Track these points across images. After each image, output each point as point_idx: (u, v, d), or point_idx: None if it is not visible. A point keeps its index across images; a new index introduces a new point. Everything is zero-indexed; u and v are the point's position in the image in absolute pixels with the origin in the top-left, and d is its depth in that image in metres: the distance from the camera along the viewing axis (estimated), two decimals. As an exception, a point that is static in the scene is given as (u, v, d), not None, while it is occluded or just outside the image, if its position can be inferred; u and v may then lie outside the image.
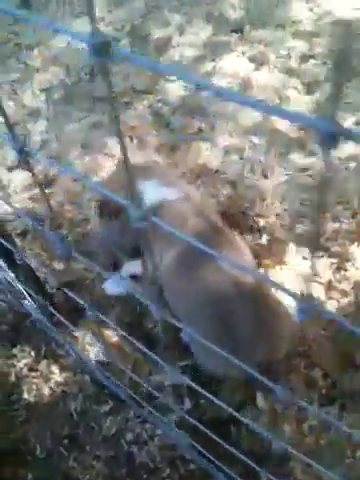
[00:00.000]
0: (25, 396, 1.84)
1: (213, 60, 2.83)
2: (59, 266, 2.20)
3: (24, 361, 1.90)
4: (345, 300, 1.83)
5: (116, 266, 2.05)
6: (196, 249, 1.52)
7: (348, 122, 2.35)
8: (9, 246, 1.36)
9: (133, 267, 1.99)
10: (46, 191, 2.49)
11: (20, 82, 3.04)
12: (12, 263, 1.60)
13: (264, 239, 2.07)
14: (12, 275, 1.45)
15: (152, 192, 1.68)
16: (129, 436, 1.65)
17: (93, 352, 1.86)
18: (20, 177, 2.57)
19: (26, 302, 1.51)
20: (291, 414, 1.66)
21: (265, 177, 2.27)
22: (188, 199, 1.70)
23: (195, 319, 1.54)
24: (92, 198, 2.29)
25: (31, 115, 2.84)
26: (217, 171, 2.35)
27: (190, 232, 1.56)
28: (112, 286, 2.03)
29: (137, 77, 2.84)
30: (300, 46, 2.79)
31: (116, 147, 2.56)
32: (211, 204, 1.93)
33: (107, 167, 2.48)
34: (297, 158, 2.27)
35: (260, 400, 1.70)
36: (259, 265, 1.99)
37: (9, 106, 2.88)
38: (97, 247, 2.09)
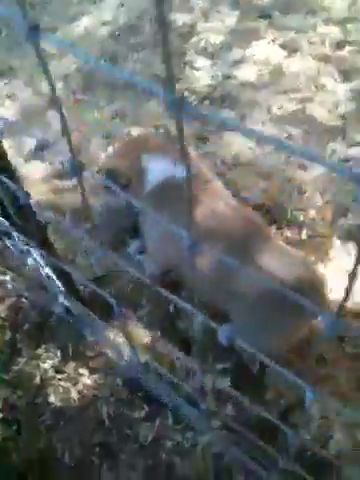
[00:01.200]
0: (51, 400, 1.76)
1: (241, 47, 2.76)
2: (82, 261, 2.13)
3: (50, 362, 1.82)
4: None
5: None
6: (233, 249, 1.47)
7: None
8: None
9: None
10: (66, 183, 2.42)
11: (36, 69, 2.97)
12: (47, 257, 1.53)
13: (304, 234, 2.00)
14: (48, 271, 1.38)
15: (158, 168, 1.61)
16: (168, 444, 1.57)
17: (126, 353, 1.78)
18: (38, 168, 2.50)
19: (59, 299, 1.44)
20: (343, 421, 1.58)
21: (303, 169, 2.19)
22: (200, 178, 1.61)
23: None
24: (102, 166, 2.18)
25: (49, 103, 2.76)
26: (250, 163, 2.28)
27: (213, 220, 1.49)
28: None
29: (161, 64, 2.76)
30: (334, 32, 2.72)
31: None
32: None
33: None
34: (337, 148, 2.20)
35: (309, 405, 1.62)
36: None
37: (25, 94, 2.81)
38: (100, 223, 2.05)
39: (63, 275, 1.66)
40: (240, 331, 1.61)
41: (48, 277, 1.32)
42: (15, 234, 1.24)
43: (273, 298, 1.39)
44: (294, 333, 1.55)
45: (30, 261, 1.36)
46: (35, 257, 1.34)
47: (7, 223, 1.20)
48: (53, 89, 0.51)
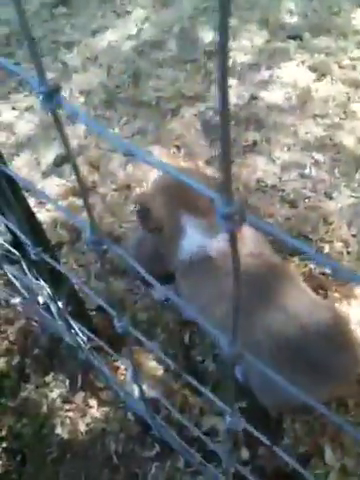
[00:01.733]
0: (58, 431, 1.70)
1: (269, 68, 2.72)
2: (96, 284, 2.08)
3: (58, 391, 1.77)
4: None
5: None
6: (253, 296, 1.39)
7: None
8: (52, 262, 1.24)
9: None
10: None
11: (57, 82, 2.95)
12: (55, 279, 1.48)
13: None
14: (49, 291, 1.33)
15: (194, 239, 1.48)
16: (178, 487, 1.51)
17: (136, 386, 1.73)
18: (55, 184, 2.47)
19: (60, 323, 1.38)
20: (365, 473, 1.50)
21: (329, 198, 2.14)
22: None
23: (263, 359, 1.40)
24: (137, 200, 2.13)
25: (68, 118, 2.74)
26: (274, 188, 2.22)
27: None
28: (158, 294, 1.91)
29: (186, 81, 2.74)
30: (365, 57, 2.67)
31: (161, 156, 2.45)
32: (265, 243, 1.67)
33: (151, 177, 2.37)
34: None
35: (329, 453, 1.55)
36: (325, 297, 1.85)
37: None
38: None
39: (73, 299, 1.62)
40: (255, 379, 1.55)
41: (59, 308, 1.27)
42: (25, 266, 1.20)
43: (294, 354, 1.32)
44: (316, 394, 1.46)
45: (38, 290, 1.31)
46: (44, 288, 1.29)
47: (18, 253, 1.16)
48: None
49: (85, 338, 1.15)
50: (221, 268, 1.40)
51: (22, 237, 0.81)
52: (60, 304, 1.07)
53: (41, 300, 1.24)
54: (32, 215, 1.17)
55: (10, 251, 1.21)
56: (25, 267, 1.15)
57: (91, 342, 1.61)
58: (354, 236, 2.01)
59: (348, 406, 1.64)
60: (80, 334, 1.20)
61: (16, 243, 1.15)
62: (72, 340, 1.14)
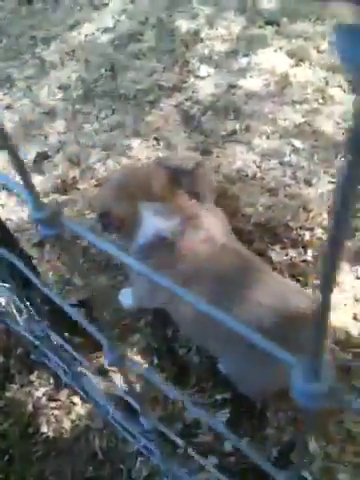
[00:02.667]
0: (44, 429, 1.71)
1: (247, 55, 2.71)
2: (79, 281, 2.08)
3: (42, 389, 1.78)
4: None
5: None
6: (225, 284, 1.40)
7: None
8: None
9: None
10: (65, 197, 2.38)
11: (36, 78, 2.94)
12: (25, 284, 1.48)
13: (310, 255, 1.94)
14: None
15: (149, 223, 1.53)
16: (163, 481, 1.52)
17: (119, 383, 1.73)
18: (37, 181, 2.46)
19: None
20: (347, 459, 1.51)
21: (309, 185, 2.13)
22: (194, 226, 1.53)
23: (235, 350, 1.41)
24: (96, 206, 2.11)
25: (48, 114, 2.73)
26: (254, 177, 2.22)
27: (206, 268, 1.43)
28: (125, 298, 1.91)
29: (163, 73, 2.72)
30: (343, 40, 2.65)
31: (140, 149, 2.45)
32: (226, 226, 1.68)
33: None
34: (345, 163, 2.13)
35: (312, 442, 1.56)
36: (306, 285, 1.85)
37: (24, 104, 2.77)
38: None
39: (49, 299, 1.61)
40: (234, 370, 1.56)
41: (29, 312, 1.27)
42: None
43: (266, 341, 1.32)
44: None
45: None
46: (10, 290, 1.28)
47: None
48: None
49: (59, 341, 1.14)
50: (174, 249, 1.46)
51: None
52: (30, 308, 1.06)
53: (3, 302, 1.24)
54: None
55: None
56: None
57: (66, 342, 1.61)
58: (334, 222, 2.01)
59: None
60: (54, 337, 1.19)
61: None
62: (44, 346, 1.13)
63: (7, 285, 1.08)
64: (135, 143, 2.47)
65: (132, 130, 2.53)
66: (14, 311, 1.15)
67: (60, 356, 0.98)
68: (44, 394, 1.77)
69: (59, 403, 1.75)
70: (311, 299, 1.43)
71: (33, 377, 1.81)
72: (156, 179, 1.57)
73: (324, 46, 2.65)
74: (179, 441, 0.86)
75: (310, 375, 0.30)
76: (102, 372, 1.72)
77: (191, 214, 1.53)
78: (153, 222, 1.52)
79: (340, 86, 2.44)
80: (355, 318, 1.77)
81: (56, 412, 1.74)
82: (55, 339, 0.90)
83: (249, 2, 3.00)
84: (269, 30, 2.80)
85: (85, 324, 0.67)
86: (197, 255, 1.46)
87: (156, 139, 2.46)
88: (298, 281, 1.88)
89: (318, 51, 2.63)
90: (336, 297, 1.81)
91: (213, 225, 1.53)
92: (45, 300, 1.56)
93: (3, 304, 1.22)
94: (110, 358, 0.49)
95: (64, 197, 2.37)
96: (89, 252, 2.13)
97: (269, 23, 2.84)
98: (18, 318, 1.17)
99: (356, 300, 1.79)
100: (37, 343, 1.04)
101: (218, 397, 1.68)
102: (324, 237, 1.98)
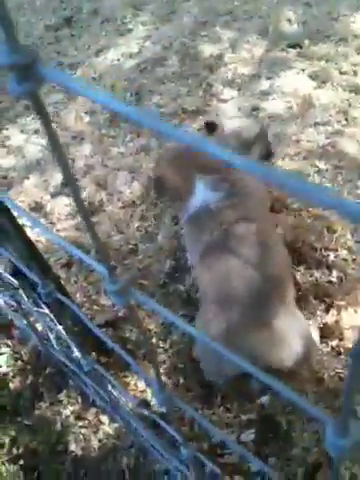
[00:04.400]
0: (72, 447, 1.77)
1: (269, 78, 2.78)
2: (107, 301, 2.15)
3: (71, 408, 1.84)
4: None
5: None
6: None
7: None
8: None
9: None
10: (92, 219, 2.46)
11: (63, 103, 3.06)
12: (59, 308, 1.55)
13: (334, 276, 1.97)
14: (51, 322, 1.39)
15: (199, 194, 1.67)
16: (190, 500, 1.55)
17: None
18: (64, 204, 2.56)
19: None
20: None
21: (333, 206, 2.17)
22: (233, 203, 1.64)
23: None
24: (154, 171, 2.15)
25: (75, 138, 2.84)
26: (278, 199, 2.27)
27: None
28: None
29: (187, 96, 2.81)
30: (366, 61, 2.71)
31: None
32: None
33: (157, 194, 2.44)
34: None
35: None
36: (331, 306, 1.89)
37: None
38: None
39: (78, 320, 1.68)
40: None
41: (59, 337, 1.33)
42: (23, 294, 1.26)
43: None
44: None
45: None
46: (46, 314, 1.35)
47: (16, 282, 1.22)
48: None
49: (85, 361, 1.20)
50: (217, 220, 1.59)
51: (24, 269, 0.87)
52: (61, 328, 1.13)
53: (39, 328, 1.31)
54: (32, 244, 1.24)
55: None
56: (23, 295, 1.21)
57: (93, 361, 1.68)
58: (358, 243, 2.04)
59: (356, 412, 1.67)
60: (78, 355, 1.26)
61: (15, 271, 1.22)
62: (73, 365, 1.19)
63: (44, 310, 1.15)
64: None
65: (157, 153, 2.62)
66: (49, 334, 1.22)
67: (91, 377, 1.04)
68: (72, 413, 1.83)
69: (87, 422, 1.81)
70: None
71: (62, 396, 1.87)
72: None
73: (346, 67, 2.71)
74: (211, 466, 0.90)
75: (340, 431, 0.35)
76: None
77: (237, 190, 1.65)
78: (203, 193, 1.65)
79: (363, 107, 2.49)
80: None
81: (84, 431, 1.79)
82: (88, 364, 0.96)
83: (271, 25, 3.09)
84: (291, 53, 2.88)
85: (123, 355, 0.73)
86: (227, 230, 1.56)
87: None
88: (323, 302, 1.92)
89: (340, 72, 2.69)
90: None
91: (252, 205, 1.68)
92: (75, 321, 1.63)
93: (39, 328, 1.29)
94: (160, 400, 0.53)
95: (91, 219, 2.46)
96: (115, 273, 2.20)
97: (291, 46, 2.92)
98: (53, 341, 1.24)
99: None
100: (72, 367, 1.10)
101: (243, 417, 1.71)
102: (349, 258, 2.01)
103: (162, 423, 0.69)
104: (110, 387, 1.30)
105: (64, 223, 2.47)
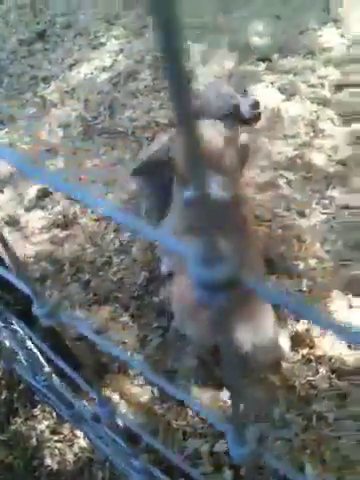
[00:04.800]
0: (47, 462, 1.77)
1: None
2: (81, 314, 2.16)
3: (46, 423, 1.85)
4: None
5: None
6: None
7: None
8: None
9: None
10: (66, 232, 2.47)
11: (37, 117, 3.08)
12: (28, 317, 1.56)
13: (304, 285, 2.02)
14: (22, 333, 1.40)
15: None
16: (165, 512, 1.57)
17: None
18: (38, 217, 2.57)
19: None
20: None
21: (302, 216, 2.23)
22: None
23: None
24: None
25: (48, 152, 2.85)
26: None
27: None
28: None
29: (160, 110, 2.85)
30: (333, 74, 2.78)
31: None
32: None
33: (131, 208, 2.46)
34: (336, 195, 2.23)
35: (309, 469, 1.62)
36: (301, 314, 1.93)
37: (25, 143, 2.90)
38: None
39: (51, 335, 1.69)
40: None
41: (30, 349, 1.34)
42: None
43: None
44: None
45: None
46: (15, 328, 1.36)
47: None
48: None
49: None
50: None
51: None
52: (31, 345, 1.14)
53: (7, 343, 1.32)
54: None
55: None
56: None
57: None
58: (328, 252, 2.09)
59: (327, 419, 1.71)
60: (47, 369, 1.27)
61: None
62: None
63: (14, 325, 1.16)
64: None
65: (131, 165, 2.65)
66: (19, 352, 1.23)
67: (60, 396, 1.06)
68: (47, 427, 1.84)
69: (62, 436, 1.81)
70: None
71: (36, 411, 1.88)
72: (227, 156, 1.79)
73: (314, 80, 2.78)
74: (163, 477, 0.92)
75: (238, 440, 0.39)
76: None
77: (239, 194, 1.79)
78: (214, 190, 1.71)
79: (330, 119, 2.55)
80: (349, 346, 1.84)
81: (59, 445, 1.80)
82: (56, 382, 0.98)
83: (241, 39, 3.15)
84: (261, 66, 2.94)
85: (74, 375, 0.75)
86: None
87: (154, 174, 2.57)
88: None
89: (308, 85, 2.76)
90: (330, 326, 1.88)
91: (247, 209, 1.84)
92: (48, 335, 1.64)
93: (8, 344, 1.30)
94: (103, 413, 0.55)
95: (65, 232, 2.47)
96: (90, 286, 2.22)
97: (261, 59, 2.98)
98: (22, 359, 1.25)
99: (350, 328, 1.86)
100: (38, 386, 1.12)
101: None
102: (318, 267, 2.06)
103: (111, 434, 0.71)
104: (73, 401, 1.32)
105: (38, 237, 2.48)
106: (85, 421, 0.93)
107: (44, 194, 2.67)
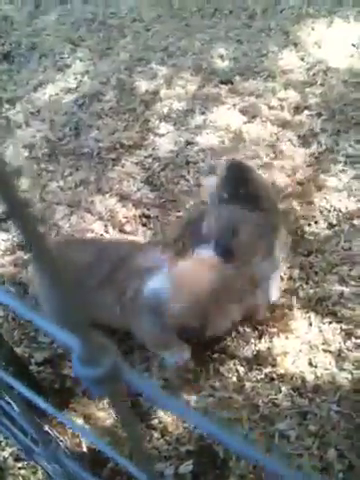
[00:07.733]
0: (10, 491, 1.74)
1: (203, 113, 2.89)
2: (45, 338, 2.14)
3: (9, 450, 1.82)
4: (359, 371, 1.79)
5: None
6: None
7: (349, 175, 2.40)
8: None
9: None
10: (30, 254, 2.45)
11: (1, 138, 3.06)
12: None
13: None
14: None
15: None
16: None
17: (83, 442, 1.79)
18: (2, 239, 2.55)
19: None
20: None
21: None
22: None
23: None
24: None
25: (13, 173, 2.84)
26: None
27: None
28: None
29: (125, 131, 2.87)
30: (293, 97, 2.86)
31: (103, 205, 2.56)
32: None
33: (95, 228, 2.47)
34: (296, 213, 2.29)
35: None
36: (263, 333, 1.96)
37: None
38: None
39: (14, 360, 1.68)
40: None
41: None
42: None
43: None
44: None
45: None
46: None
47: None
48: None
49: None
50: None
51: None
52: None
53: None
54: None
55: None
56: None
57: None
58: (290, 267, 2.13)
59: (290, 437, 1.73)
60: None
61: None
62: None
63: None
64: (98, 199, 2.59)
65: (95, 187, 2.66)
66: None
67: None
68: (11, 454, 1.81)
69: (26, 463, 1.79)
70: None
71: (0, 437, 1.85)
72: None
73: (274, 102, 2.85)
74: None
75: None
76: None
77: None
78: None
79: (290, 141, 2.62)
80: (310, 364, 1.87)
81: (23, 472, 1.77)
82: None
83: (204, 62, 3.22)
84: (223, 89, 3.00)
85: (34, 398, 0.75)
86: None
87: (118, 195, 2.58)
88: (256, 329, 1.99)
89: (269, 107, 2.83)
90: (291, 343, 1.92)
91: None
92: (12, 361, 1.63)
93: None
94: (43, 453, 0.53)
95: (29, 254, 2.45)
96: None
97: (223, 82, 3.05)
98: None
99: (310, 347, 1.90)
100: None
101: (182, 449, 1.74)
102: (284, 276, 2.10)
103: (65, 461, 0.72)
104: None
105: (1, 259, 2.46)
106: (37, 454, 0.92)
107: (7, 216, 2.65)
